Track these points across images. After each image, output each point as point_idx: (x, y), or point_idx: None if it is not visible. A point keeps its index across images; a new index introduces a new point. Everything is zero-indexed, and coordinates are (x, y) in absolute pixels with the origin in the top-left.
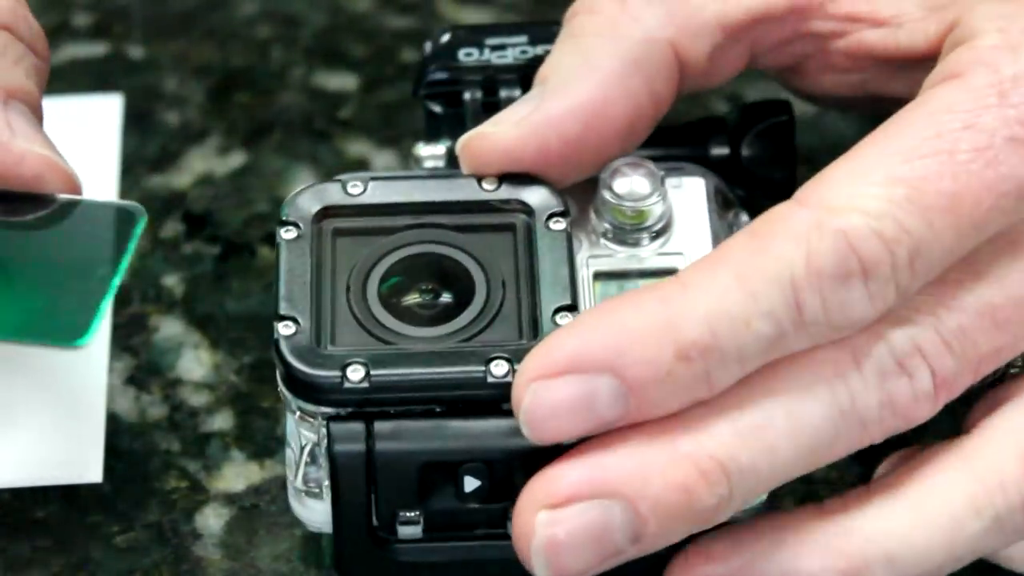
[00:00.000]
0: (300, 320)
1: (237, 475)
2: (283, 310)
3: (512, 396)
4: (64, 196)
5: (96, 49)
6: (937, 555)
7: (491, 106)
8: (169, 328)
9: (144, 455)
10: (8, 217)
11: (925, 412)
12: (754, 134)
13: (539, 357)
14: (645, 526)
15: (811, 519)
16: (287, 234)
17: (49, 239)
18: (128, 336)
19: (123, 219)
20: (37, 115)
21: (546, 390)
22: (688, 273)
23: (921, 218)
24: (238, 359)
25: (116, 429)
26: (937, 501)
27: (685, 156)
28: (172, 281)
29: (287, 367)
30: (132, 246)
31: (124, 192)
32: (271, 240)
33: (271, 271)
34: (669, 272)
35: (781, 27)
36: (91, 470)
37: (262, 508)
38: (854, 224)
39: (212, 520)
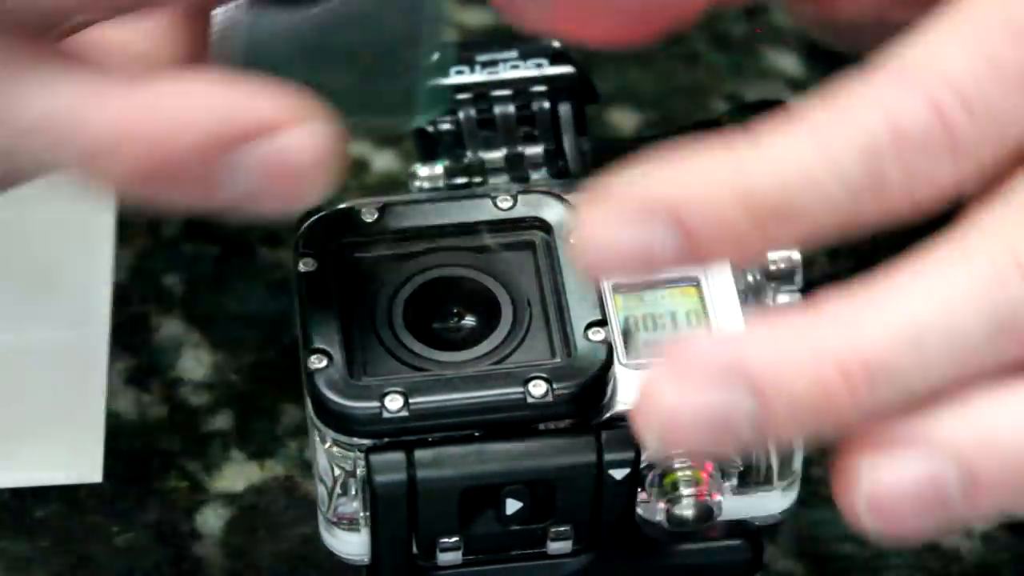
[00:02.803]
0: (331, 352)
1: (237, 475)
2: (313, 343)
3: (573, 233)
4: None
5: None
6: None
7: (486, 123)
8: (169, 328)
9: (144, 455)
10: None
11: None
12: None
13: (596, 201)
14: (770, 418)
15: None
16: (306, 265)
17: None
18: (128, 336)
19: None
20: None
21: (600, 226)
22: (761, 131)
23: (1000, 87)
24: (238, 359)
25: (116, 429)
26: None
27: None
28: (172, 281)
29: (323, 401)
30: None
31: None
32: (271, 240)
33: (272, 271)
34: (691, 279)
35: None
36: (91, 470)
37: (262, 508)
38: (936, 88)
39: (212, 520)
